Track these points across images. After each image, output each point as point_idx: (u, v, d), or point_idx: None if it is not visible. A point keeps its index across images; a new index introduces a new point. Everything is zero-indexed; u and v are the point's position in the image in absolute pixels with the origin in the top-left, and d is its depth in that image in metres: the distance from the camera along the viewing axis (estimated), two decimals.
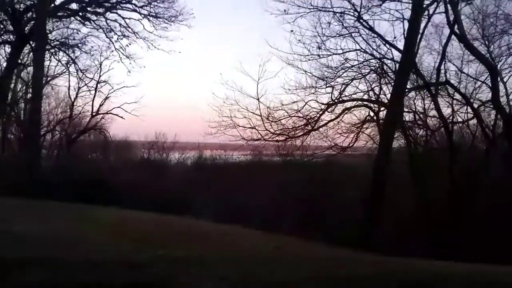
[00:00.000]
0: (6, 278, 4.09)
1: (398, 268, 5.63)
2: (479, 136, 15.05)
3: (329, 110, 14.25)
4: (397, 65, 13.45)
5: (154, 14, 17.29)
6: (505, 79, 14.29)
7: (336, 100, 14.25)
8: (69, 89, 22.64)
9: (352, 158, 19.63)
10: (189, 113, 49.55)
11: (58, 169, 19.23)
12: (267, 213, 14.45)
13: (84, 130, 23.18)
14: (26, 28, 17.19)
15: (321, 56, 13.74)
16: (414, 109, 16.01)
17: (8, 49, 18.18)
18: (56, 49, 18.70)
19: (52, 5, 17.07)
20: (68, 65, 20.26)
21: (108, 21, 17.62)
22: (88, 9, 17.59)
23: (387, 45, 13.80)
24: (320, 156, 15.77)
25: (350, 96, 14.65)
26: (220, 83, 13.46)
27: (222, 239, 8.63)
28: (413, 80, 14.50)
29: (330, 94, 14.20)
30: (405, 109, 14.85)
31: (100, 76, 21.79)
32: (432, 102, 14.62)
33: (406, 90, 13.55)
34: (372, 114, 15.15)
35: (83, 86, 22.37)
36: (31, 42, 17.17)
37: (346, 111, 14.59)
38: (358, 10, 13.11)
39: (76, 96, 22.82)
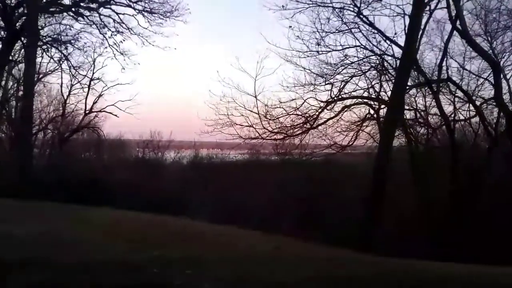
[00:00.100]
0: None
1: (398, 268, 5.67)
2: (482, 134, 14.95)
3: (328, 108, 14.15)
4: (398, 61, 13.30)
5: (149, 9, 17.08)
6: (508, 76, 14.20)
7: (335, 98, 14.12)
8: (61, 86, 22.44)
9: (352, 156, 19.53)
10: (185, 111, 49.25)
11: (50, 169, 18.99)
12: (265, 213, 14.27)
13: (77, 129, 22.98)
14: (17, 24, 16.91)
15: (320, 52, 13.62)
16: (415, 107, 15.94)
17: None
18: (48, 45, 18.39)
19: (44, 0, 16.78)
20: (61, 62, 20.11)
21: (101, 16, 17.37)
22: (81, 4, 17.32)
23: (387, 41, 13.69)
24: (319, 155, 15.68)
25: (349, 93, 14.54)
26: (217, 80, 13.26)
27: (220, 240, 8.56)
28: (414, 77, 14.41)
29: (329, 91, 14.09)
30: (406, 107, 14.77)
31: (93, 73, 21.67)
32: (434, 100, 14.49)
33: (407, 87, 13.39)
34: (372, 111, 15.13)
35: (76, 84, 22.17)
36: (22, 39, 16.94)
37: (345, 109, 14.54)
38: (358, 5, 12.99)
39: (69, 94, 22.65)
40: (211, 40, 60.54)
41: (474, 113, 14.47)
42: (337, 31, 13.44)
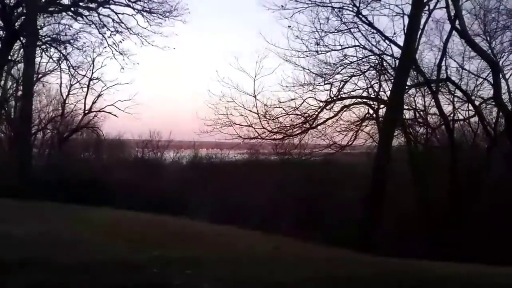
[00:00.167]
0: None
1: (397, 268, 5.66)
2: (481, 134, 14.95)
3: (327, 107, 14.12)
4: (397, 61, 13.30)
5: (148, 9, 16.99)
6: (507, 76, 14.23)
7: (334, 98, 14.10)
8: (60, 86, 22.40)
9: (351, 156, 19.50)
10: (184, 111, 49.23)
11: (49, 169, 18.99)
12: (264, 213, 14.27)
13: (76, 129, 22.96)
14: (16, 24, 16.84)
15: (320, 52, 13.58)
16: (414, 107, 15.94)
17: None
18: (47, 45, 18.34)
19: (43, 0, 16.72)
20: (60, 62, 20.05)
21: (100, 16, 17.28)
22: (80, 4, 17.23)
23: (386, 41, 13.64)
24: (319, 155, 15.67)
25: (349, 93, 14.51)
26: (216, 80, 13.26)
27: (219, 240, 8.52)
28: (413, 76, 14.42)
29: (329, 91, 14.06)
30: (405, 107, 14.76)
31: (92, 73, 21.59)
32: (433, 99, 14.49)
33: (406, 87, 13.42)
34: (371, 111, 15.09)
35: (75, 83, 22.14)
36: (21, 38, 16.86)
37: (345, 109, 14.52)
38: (357, 5, 12.96)
39: (68, 94, 22.62)
40: (210, 40, 60.54)
41: (473, 113, 14.48)
42: (336, 31, 13.43)
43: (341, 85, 14.04)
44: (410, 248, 11.72)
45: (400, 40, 12.81)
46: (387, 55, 14.03)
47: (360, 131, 15.05)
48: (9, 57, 18.23)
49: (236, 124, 13.41)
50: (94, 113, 23.06)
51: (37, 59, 18.81)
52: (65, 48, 18.49)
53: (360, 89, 14.59)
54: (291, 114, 13.77)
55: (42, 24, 17.87)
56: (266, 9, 13.13)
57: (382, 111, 14.51)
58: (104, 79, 21.72)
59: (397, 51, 13.38)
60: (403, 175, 15.53)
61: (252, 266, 5.37)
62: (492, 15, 13.55)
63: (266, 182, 16.61)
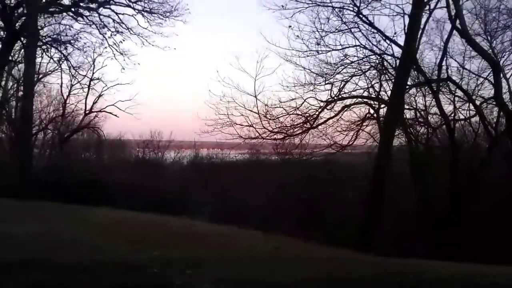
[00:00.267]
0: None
1: (398, 268, 5.65)
2: (481, 133, 14.91)
3: (328, 107, 14.08)
4: (398, 61, 13.26)
5: (148, 9, 17.00)
6: (508, 75, 14.09)
7: (335, 97, 14.07)
8: (61, 86, 22.47)
9: (351, 156, 19.46)
10: (185, 111, 49.26)
11: (50, 169, 19.02)
12: (265, 213, 14.28)
13: (77, 129, 22.99)
14: (17, 24, 16.84)
15: (320, 52, 13.52)
16: (415, 106, 15.93)
17: None
18: (48, 45, 18.33)
19: (44, 0, 16.74)
20: (60, 62, 20.05)
21: (101, 16, 17.28)
22: (81, 4, 17.23)
23: (387, 40, 13.60)
24: (319, 155, 15.65)
25: (349, 93, 14.48)
26: (217, 80, 13.22)
27: (220, 240, 8.52)
28: (414, 76, 14.36)
29: (329, 91, 14.02)
30: (406, 106, 14.77)
31: (93, 73, 21.69)
32: (434, 99, 14.46)
33: (407, 86, 13.37)
34: (372, 111, 15.07)
35: (76, 84, 22.19)
36: (22, 39, 16.86)
37: (345, 109, 14.49)
38: (358, 5, 12.90)
39: (69, 94, 22.68)
40: (211, 40, 60.54)
41: (474, 112, 14.43)
42: (336, 31, 13.36)
43: (341, 85, 14.04)
44: (411, 248, 11.73)
45: (401, 40, 12.81)
46: (388, 54, 14.03)
47: (360, 131, 15.08)
48: (10, 58, 18.25)
49: (236, 124, 13.41)
50: (95, 113, 23.19)
51: (38, 60, 18.86)
52: (66, 48, 18.52)
53: (361, 89, 14.59)
54: (292, 114, 13.75)
55: (43, 25, 17.94)
56: (266, 9, 13.12)
57: (382, 111, 14.53)
58: (104, 79, 21.86)
59: (397, 51, 13.38)
60: (404, 175, 15.51)
61: (253, 266, 5.37)
62: (492, 14, 13.52)
63: (266, 182, 16.62)
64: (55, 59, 19.79)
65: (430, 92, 14.54)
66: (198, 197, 16.40)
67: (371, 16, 13.11)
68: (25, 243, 6.33)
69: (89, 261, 5.03)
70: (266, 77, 13.31)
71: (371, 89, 14.85)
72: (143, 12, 17.09)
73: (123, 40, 17.66)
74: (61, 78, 22.00)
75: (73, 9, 17.35)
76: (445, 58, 13.70)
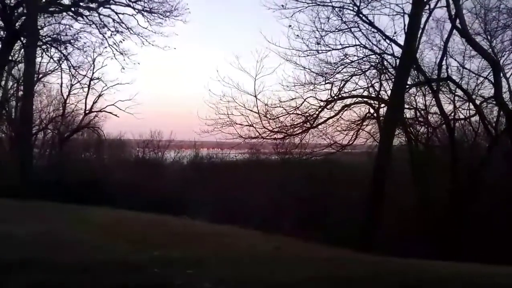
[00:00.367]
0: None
1: (398, 268, 5.63)
2: (482, 133, 14.92)
3: (328, 107, 14.03)
4: (398, 60, 13.22)
5: (148, 9, 16.98)
6: (508, 75, 14.06)
7: (335, 97, 14.03)
8: (61, 86, 22.43)
9: (352, 156, 19.48)
10: (185, 110, 49.44)
11: (50, 169, 19.04)
12: (265, 213, 14.28)
13: (77, 129, 22.99)
14: (17, 24, 16.83)
15: (320, 51, 13.48)
16: (415, 106, 15.92)
17: None
18: (48, 45, 18.33)
19: (44, 0, 16.71)
20: (60, 62, 20.04)
21: (101, 16, 17.27)
22: (81, 4, 17.22)
23: (387, 40, 13.57)
24: (319, 154, 15.62)
25: (349, 92, 14.44)
26: (217, 79, 13.17)
27: (220, 240, 8.47)
28: (414, 76, 14.35)
29: (329, 90, 13.97)
30: (406, 106, 14.76)
31: (93, 73, 21.67)
32: (434, 99, 14.46)
33: (407, 86, 13.36)
34: (372, 111, 15.04)
35: (76, 83, 22.18)
36: (22, 38, 16.84)
37: (345, 108, 14.43)
38: (358, 4, 12.87)
39: (69, 94, 22.66)
40: (211, 40, 60.55)
41: (474, 112, 14.41)
42: (336, 30, 13.31)
43: (341, 85, 14.00)
44: (411, 247, 11.71)
45: (401, 39, 12.79)
46: (388, 54, 13.99)
47: (360, 130, 15.03)
48: (10, 57, 18.23)
49: (236, 123, 13.36)
50: (95, 113, 23.17)
51: (38, 59, 18.87)
52: (66, 48, 18.51)
53: (361, 88, 14.56)
54: (292, 113, 13.70)
55: (43, 24, 17.92)
56: (266, 8, 13.07)
57: (382, 111, 14.49)
58: (104, 79, 21.85)
59: (397, 50, 13.35)
60: (404, 174, 15.50)
61: (253, 266, 5.37)
62: (492, 14, 13.52)
63: (267, 181, 16.62)
64: (55, 58, 19.84)
65: (430, 91, 14.53)
66: (198, 197, 16.40)
67: (371, 16, 13.11)
68: (25, 243, 6.33)
69: (89, 261, 5.04)
70: (266, 77, 13.38)
71: (371, 89, 14.87)
72: (143, 12, 17.09)
73: (123, 40, 17.69)
74: (61, 78, 22.02)
75: (73, 9, 17.35)
76: (445, 58, 13.70)
